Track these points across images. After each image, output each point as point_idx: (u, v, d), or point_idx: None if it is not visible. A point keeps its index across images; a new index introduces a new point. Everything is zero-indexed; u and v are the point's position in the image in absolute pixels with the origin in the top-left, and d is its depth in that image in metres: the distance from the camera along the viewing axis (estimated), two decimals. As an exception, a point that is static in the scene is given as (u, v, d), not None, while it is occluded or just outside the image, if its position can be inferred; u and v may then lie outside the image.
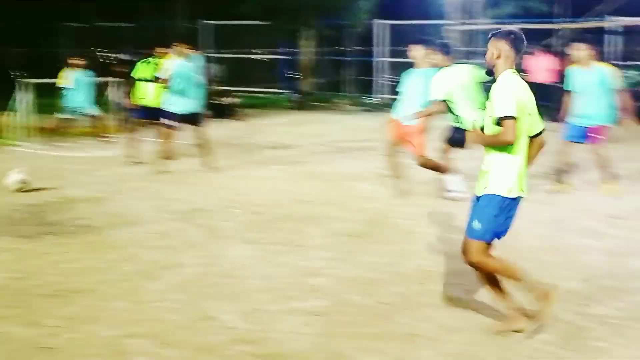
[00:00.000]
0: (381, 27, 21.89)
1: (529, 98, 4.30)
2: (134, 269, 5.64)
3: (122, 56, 12.14)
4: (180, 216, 7.35)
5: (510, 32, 4.36)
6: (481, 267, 4.36)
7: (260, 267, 5.75)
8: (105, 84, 14.16)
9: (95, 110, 13.13)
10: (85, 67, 13.02)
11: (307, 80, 22.07)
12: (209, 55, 19.54)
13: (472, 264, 4.36)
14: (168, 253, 6.07)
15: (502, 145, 4.21)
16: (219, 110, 16.51)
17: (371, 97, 21.67)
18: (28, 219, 7.22)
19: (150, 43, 11.27)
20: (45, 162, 10.91)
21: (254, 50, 22.23)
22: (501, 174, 4.25)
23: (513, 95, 4.20)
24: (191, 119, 10.08)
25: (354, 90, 22.92)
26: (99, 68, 14.55)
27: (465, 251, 4.36)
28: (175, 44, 10.06)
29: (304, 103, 20.53)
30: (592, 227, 6.99)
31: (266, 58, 23.74)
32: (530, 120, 4.29)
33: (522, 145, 4.25)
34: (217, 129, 12.36)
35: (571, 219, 7.32)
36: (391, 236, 6.70)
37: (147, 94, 10.68)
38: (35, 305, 4.81)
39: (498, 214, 4.25)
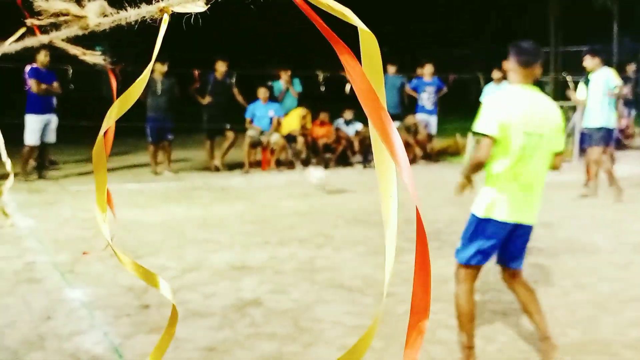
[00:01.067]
0: None
1: (532, 116, 3.91)
2: (588, 298, 5.41)
3: (571, 78, 11.93)
4: (640, 249, 6.86)
5: (514, 46, 4.08)
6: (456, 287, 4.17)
7: None
8: (569, 108, 14.05)
9: None
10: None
11: None
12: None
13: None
14: (627, 287, 5.69)
15: (485, 163, 3.97)
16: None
17: None
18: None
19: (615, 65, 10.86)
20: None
21: None
22: (482, 193, 4.04)
23: (499, 112, 3.94)
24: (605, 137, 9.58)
25: None
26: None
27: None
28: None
29: None
30: None
31: None
32: (530, 139, 3.88)
33: (510, 166, 3.90)
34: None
35: None
36: None
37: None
38: (490, 321, 4.93)
39: (473, 236, 4.03)
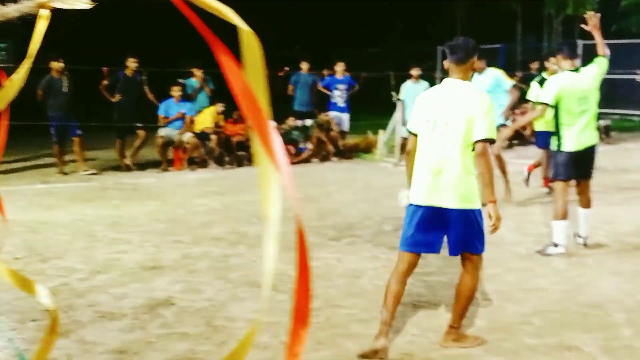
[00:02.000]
0: None
1: (436, 105, 4.19)
2: (494, 288, 5.61)
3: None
4: (544, 240, 7.12)
5: (446, 46, 4.31)
6: None
7: (627, 300, 5.31)
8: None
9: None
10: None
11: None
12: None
13: None
14: (530, 276, 5.93)
15: (410, 154, 4.38)
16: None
17: None
18: (393, 232, 7.61)
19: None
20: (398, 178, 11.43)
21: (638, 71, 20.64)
22: None
23: (415, 109, 4.35)
24: None
25: None
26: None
27: None
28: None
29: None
30: None
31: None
32: (435, 127, 4.15)
33: (421, 153, 4.23)
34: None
35: None
36: None
37: None
38: (401, 314, 5.02)
39: (406, 221, 4.30)
